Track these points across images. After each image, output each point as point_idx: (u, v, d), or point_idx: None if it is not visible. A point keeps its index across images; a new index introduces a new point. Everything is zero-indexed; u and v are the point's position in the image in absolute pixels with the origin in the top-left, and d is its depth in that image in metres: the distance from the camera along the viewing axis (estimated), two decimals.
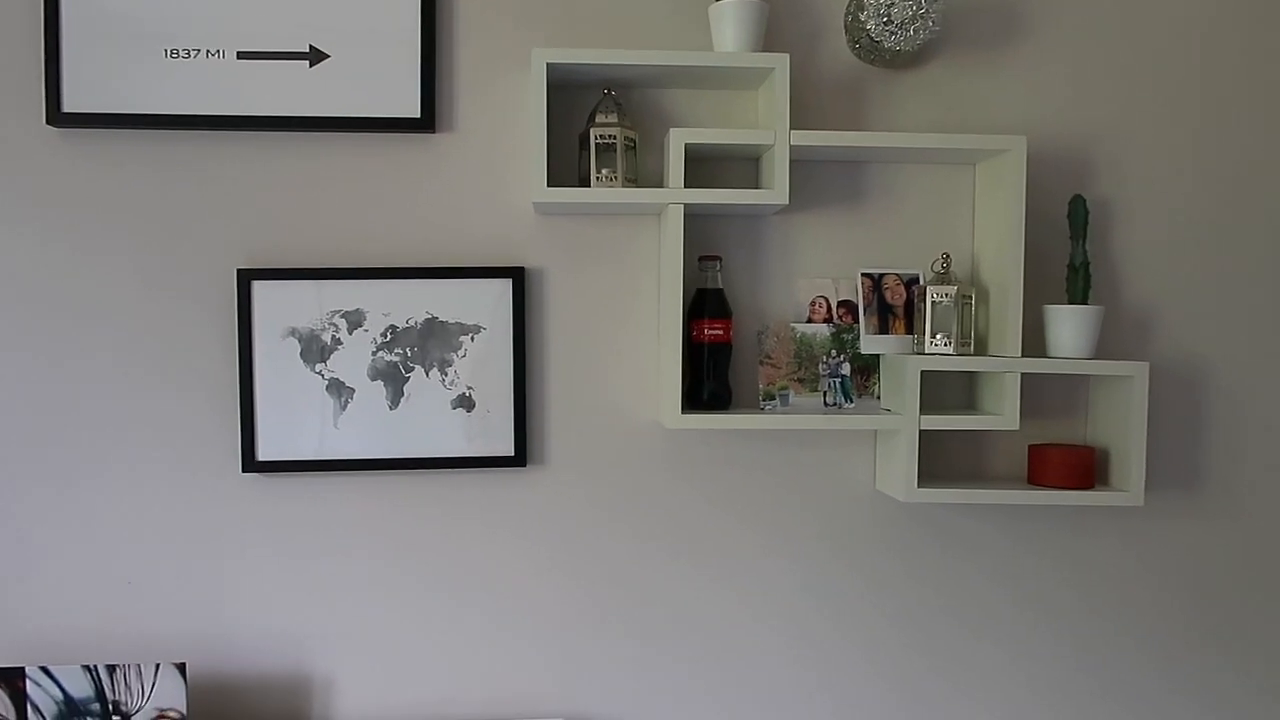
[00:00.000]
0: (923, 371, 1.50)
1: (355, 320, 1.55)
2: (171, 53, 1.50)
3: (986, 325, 1.60)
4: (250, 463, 1.53)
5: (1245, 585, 1.72)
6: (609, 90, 1.52)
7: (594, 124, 1.49)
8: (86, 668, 1.43)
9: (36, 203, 1.53)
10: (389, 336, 1.55)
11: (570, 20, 1.58)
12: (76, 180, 1.53)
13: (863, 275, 1.61)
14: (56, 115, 1.49)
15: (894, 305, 1.61)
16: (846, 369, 1.61)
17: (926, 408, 1.51)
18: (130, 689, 1.43)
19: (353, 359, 1.55)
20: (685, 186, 1.48)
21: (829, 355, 1.60)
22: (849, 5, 1.57)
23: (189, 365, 1.55)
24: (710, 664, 1.65)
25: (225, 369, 1.55)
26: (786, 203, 1.48)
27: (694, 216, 1.57)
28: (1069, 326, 1.55)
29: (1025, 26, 1.65)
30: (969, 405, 1.66)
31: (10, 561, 1.55)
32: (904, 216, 1.64)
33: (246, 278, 1.52)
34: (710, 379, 1.56)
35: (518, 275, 1.56)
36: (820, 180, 1.62)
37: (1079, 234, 1.57)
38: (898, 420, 1.51)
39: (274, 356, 1.54)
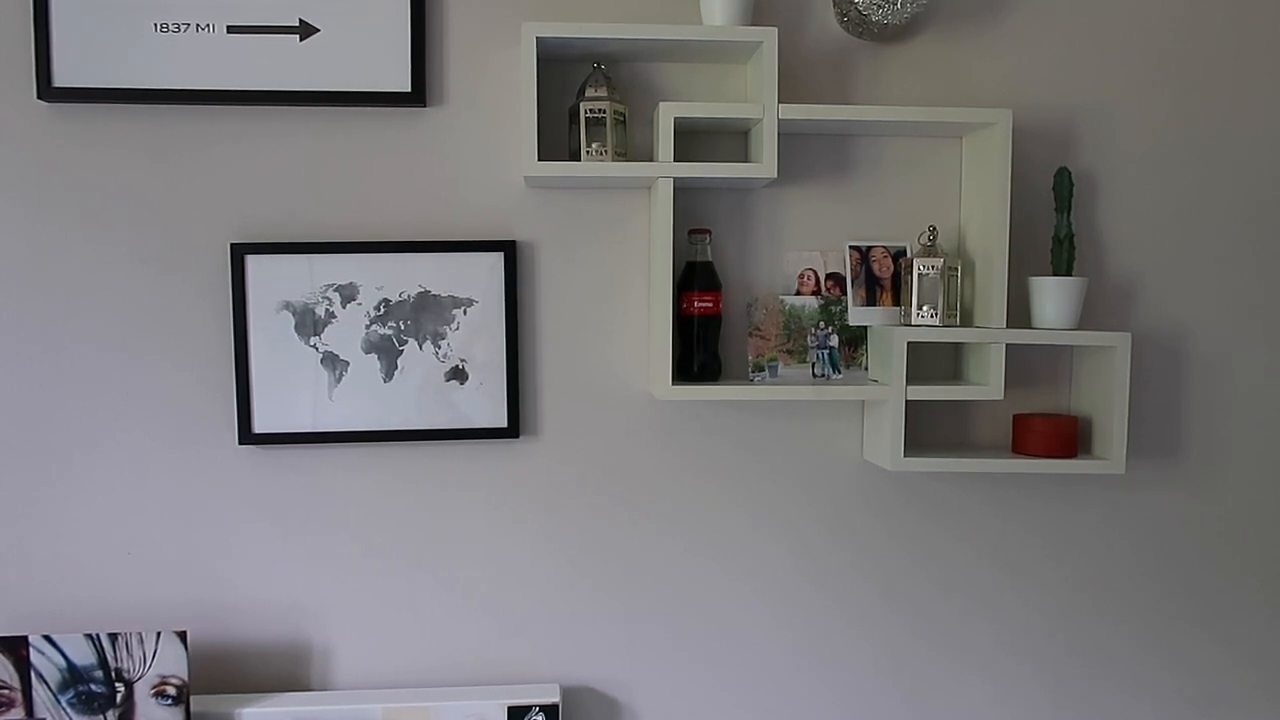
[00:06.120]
0: (909, 343, 1.52)
1: (349, 294, 1.56)
2: (161, 26, 1.50)
3: (972, 297, 1.62)
4: (247, 435, 1.55)
5: (1224, 553, 1.76)
6: (598, 64, 1.53)
7: (584, 98, 1.50)
8: (89, 636, 1.46)
9: (28, 178, 1.53)
10: (382, 310, 1.57)
11: None
12: (67, 155, 1.53)
13: (850, 248, 1.62)
14: (47, 90, 1.49)
15: (881, 278, 1.63)
16: (834, 341, 1.63)
17: (913, 378, 1.54)
18: (132, 656, 1.46)
19: (346, 332, 1.56)
20: (675, 160, 1.49)
21: (817, 327, 1.62)
22: None
23: (184, 339, 1.57)
24: (699, 631, 1.69)
25: (220, 343, 1.57)
26: (775, 176, 1.49)
27: (683, 190, 1.58)
28: (1053, 298, 1.57)
29: (1011, 1, 1.66)
30: (955, 375, 1.68)
31: (13, 533, 1.57)
32: (891, 189, 1.65)
33: (240, 252, 1.53)
34: (700, 351, 1.58)
35: (509, 249, 1.58)
36: (808, 154, 1.63)
37: (1064, 206, 1.59)
38: (885, 391, 1.53)
39: (268, 330, 1.55)
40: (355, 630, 1.63)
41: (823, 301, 1.63)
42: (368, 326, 1.57)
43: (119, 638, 1.46)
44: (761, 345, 1.61)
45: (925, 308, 1.56)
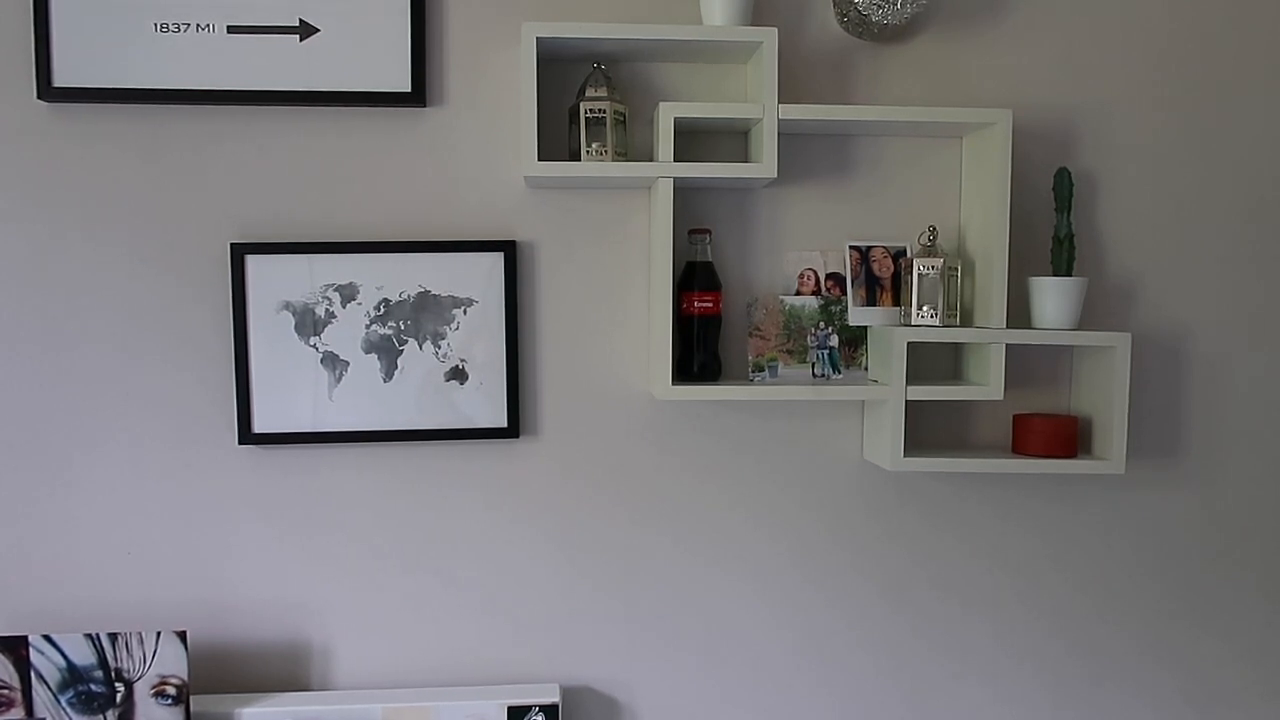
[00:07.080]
0: (909, 343, 1.52)
1: (348, 294, 1.56)
2: (161, 26, 1.50)
3: (972, 297, 1.62)
4: (246, 435, 1.55)
5: (1224, 553, 1.76)
6: (598, 64, 1.53)
7: (584, 98, 1.50)
8: (89, 636, 1.46)
9: (28, 178, 1.53)
10: (382, 310, 1.57)
11: None
12: (67, 155, 1.53)
13: (850, 248, 1.62)
14: (47, 90, 1.49)
15: (881, 278, 1.63)
16: (834, 341, 1.63)
17: (913, 378, 1.53)
18: (132, 656, 1.46)
19: (346, 332, 1.56)
20: (675, 160, 1.49)
21: (817, 327, 1.62)
22: None
23: (185, 339, 1.57)
24: (699, 631, 1.69)
25: (220, 343, 1.57)
26: (775, 176, 1.49)
27: (683, 190, 1.58)
28: (1053, 298, 1.57)
29: (1011, 1, 1.66)
30: (955, 375, 1.68)
31: (13, 533, 1.57)
32: (891, 189, 1.65)
33: (240, 252, 1.53)
34: (700, 351, 1.58)
35: (509, 249, 1.58)
36: (808, 154, 1.63)
37: (1064, 206, 1.59)
38: (885, 391, 1.53)
39: (268, 330, 1.55)
40: (355, 630, 1.63)
41: (823, 301, 1.63)
42: (368, 326, 1.57)
43: (119, 638, 1.46)
44: (761, 345, 1.61)
45: (925, 308, 1.56)
